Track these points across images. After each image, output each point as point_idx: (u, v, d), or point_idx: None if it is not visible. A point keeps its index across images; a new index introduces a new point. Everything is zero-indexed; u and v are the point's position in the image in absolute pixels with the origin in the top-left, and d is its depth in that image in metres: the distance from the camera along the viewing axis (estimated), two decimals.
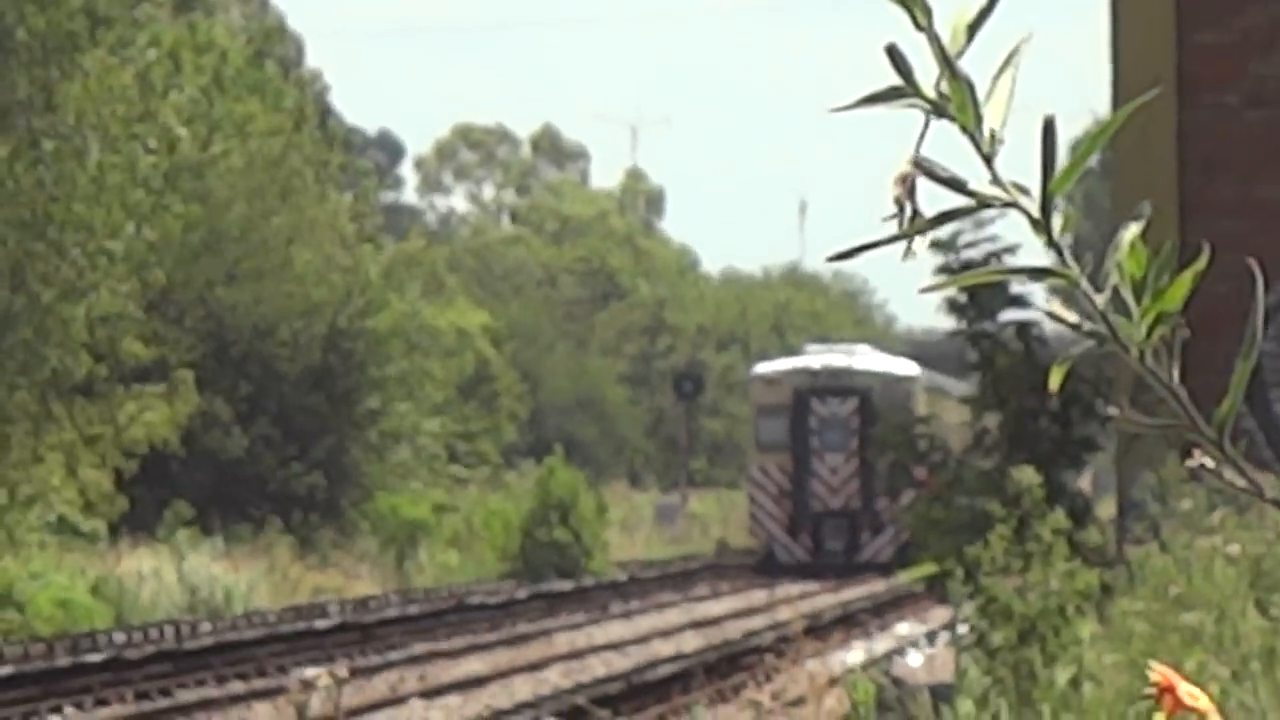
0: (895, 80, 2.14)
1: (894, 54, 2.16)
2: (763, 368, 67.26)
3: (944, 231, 14.63)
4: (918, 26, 2.24)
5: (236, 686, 35.19)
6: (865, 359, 65.76)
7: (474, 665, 38.05)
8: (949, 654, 28.45)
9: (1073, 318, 2.13)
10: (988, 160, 2.19)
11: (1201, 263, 2.18)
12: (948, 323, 28.04)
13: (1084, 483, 25.96)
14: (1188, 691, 2.48)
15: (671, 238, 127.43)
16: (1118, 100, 29.62)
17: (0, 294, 44.12)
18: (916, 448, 27.87)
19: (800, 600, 50.49)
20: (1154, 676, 2.47)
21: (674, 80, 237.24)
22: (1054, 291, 2.16)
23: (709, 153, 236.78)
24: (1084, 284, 2.17)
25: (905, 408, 57.61)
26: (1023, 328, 26.88)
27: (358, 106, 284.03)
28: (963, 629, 20.24)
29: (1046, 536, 17.86)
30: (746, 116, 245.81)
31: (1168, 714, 2.49)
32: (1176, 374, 2.25)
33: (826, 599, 51.32)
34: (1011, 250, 26.87)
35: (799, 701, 28.33)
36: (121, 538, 49.58)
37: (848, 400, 63.39)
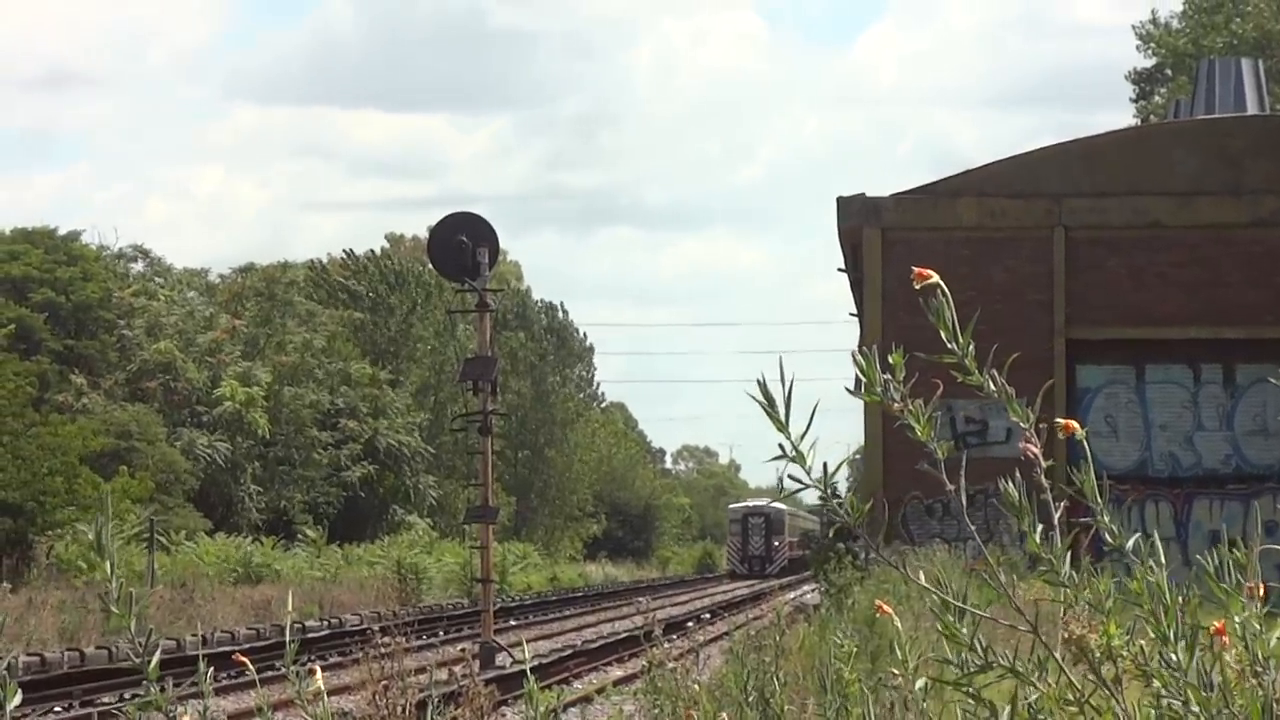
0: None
1: (783, 449, 3.15)
2: (731, 507, 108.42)
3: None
4: (778, 427, 3.10)
5: (612, 602, 60.45)
6: (767, 504, 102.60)
7: (683, 598, 64.92)
8: (819, 596, 38.67)
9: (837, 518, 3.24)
10: (816, 485, 3.21)
11: (867, 506, 3.31)
12: None
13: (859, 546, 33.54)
14: (885, 609, 3.42)
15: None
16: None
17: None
18: (810, 538, 63.75)
19: (776, 580, 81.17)
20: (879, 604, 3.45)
21: None
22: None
23: None
24: (836, 508, 3.19)
25: (781, 521, 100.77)
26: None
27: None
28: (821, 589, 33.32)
29: (845, 559, 28.61)
30: None
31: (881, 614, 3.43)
32: (867, 533, 3.28)
33: (782, 581, 78.28)
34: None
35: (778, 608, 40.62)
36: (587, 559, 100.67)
37: (761, 518, 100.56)
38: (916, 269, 3.02)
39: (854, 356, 3.04)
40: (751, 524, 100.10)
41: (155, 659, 3.63)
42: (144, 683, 3.66)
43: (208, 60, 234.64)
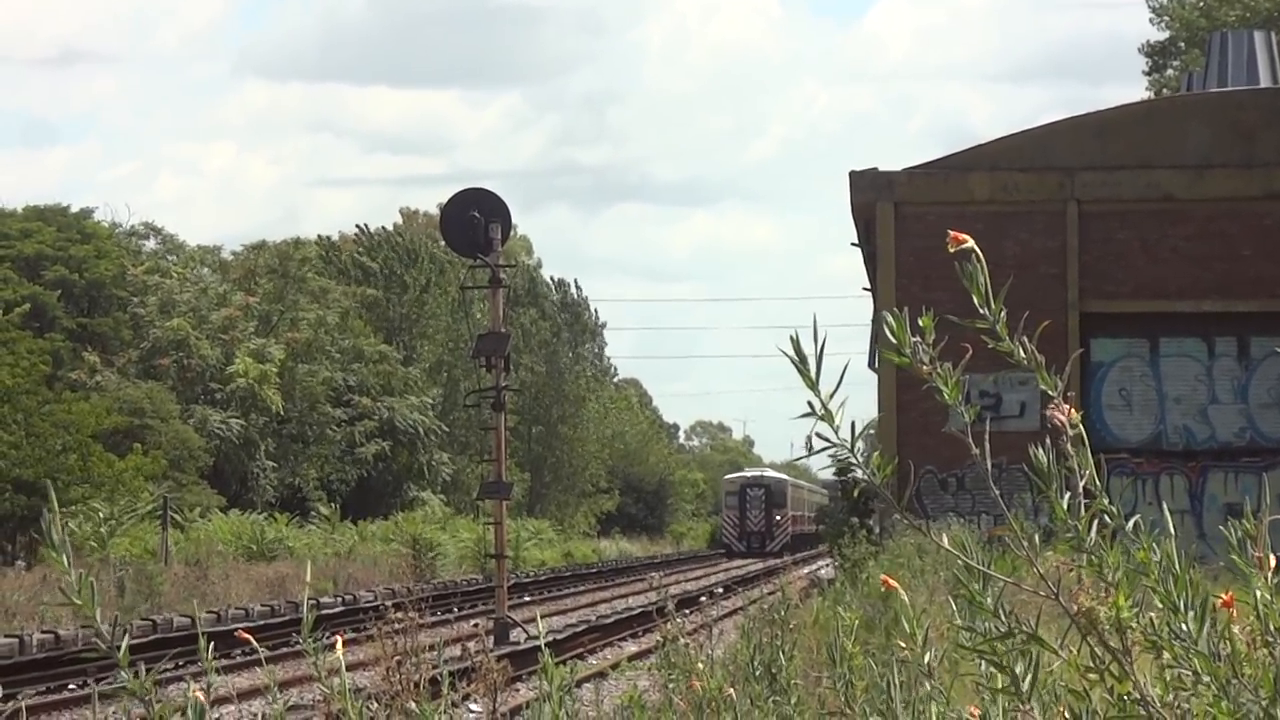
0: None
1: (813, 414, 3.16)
2: (728, 477, 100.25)
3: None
4: (808, 384, 3.10)
5: (626, 578, 60.49)
6: (768, 474, 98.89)
7: (697, 573, 66.82)
8: (833, 570, 41.21)
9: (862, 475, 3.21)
10: (844, 445, 3.16)
11: (891, 465, 3.23)
12: None
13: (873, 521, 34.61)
14: (890, 582, 3.49)
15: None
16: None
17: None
18: (823, 511, 62.23)
19: (789, 556, 76.53)
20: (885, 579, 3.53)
21: None
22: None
23: None
24: (863, 471, 3.18)
25: (783, 493, 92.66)
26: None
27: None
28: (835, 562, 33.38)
29: (860, 532, 29.30)
30: None
31: (888, 589, 3.49)
32: (890, 493, 3.31)
33: (796, 557, 74.49)
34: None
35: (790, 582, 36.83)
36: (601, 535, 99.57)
37: (760, 490, 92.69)
38: (952, 233, 2.99)
39: (884, 318, 3.01)
40: (750, 496, 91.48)
41: (125, 645, 3.64)
42: (116, 669, 3.69)
43: (218, 37, 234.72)
